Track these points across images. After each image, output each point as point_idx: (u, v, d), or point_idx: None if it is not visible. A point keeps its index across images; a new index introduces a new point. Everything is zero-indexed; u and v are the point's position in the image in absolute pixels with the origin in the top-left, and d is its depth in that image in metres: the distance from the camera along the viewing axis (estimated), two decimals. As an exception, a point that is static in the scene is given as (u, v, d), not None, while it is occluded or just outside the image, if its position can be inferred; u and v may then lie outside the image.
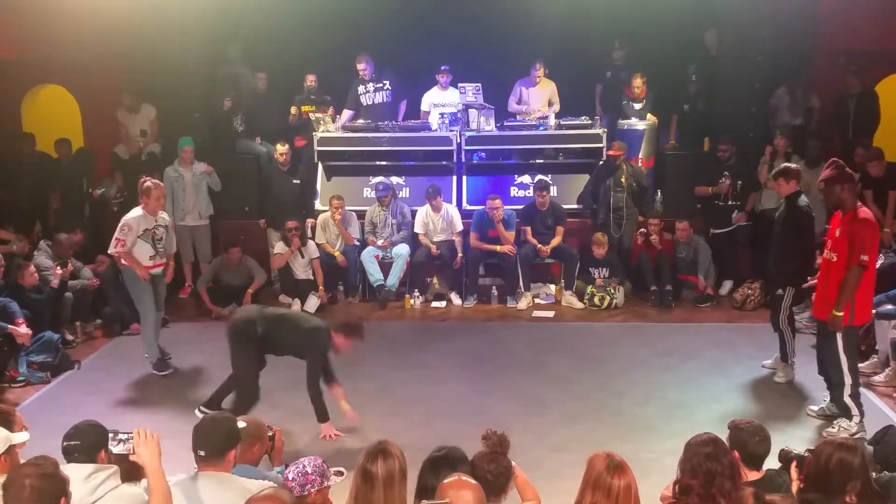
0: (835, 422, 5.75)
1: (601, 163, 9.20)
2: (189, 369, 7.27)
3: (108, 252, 7.14)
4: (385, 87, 9.83)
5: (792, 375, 6.65)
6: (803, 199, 6.46)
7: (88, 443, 3.41)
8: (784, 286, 6.53)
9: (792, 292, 6.52)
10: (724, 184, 8.97)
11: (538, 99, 9.82)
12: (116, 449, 3.28)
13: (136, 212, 7.01)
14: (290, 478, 3.35)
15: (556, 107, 9.77)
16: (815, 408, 6.07)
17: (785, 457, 3.73)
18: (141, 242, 6.93)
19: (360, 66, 9.66)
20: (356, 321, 6.16)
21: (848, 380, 5.66)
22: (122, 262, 7.03)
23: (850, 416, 5.68)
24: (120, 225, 6.96)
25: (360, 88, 9.82)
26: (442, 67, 9.79)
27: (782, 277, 6.55)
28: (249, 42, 10.33)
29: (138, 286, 7.01)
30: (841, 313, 5.52)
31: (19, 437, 3.56)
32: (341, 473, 3.55)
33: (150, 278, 7.00)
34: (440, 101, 9.87)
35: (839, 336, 5.61)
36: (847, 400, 5.69)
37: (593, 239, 8.92)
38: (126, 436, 3.29)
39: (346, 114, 9.85)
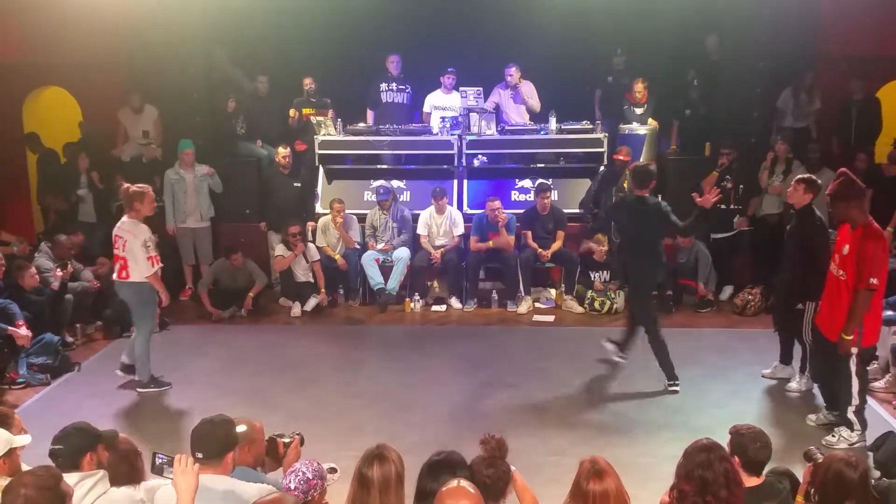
0: (835, 430, 5.69)
1: (603, 167, 9.18)
2: (189, 372, 7.26)
3: (148, 276, 6.56)
4: (407, 90, 9.93)
5: (808, 386, 6.54)
6: (817, 212, 6.29)
7: (72, 447, 3.40)
8: (804, 301, 6.33)
9: (813, 306, 6.28)
10: (722, 161, 8.88)
11: (516, 105, 9.80)
12: (154, 470, 3.23)
13: (135, 223, 6.59)
14: (293, 487, 3.33)
15: (536, 104, 9.73)
16: (814, 416, 6.03)
17: (810, 457, 3.72)
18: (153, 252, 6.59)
19: (392, 59, 9.76)
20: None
21: (856, 401, 5.53)
22: (128, 277, 6.59)
23: (851, 428, 5.60)
24: (143, 243, 6.51)
25: (383, 86, 9.89)
26: (448, 69, 9.79)
27: (800, 292, 6.34)
28: (236, 44, 10.26)
29: (151, 306, 6.76)
30: (850, 337, 5.34)
31: (21, 439, 3.54)
32: (335, 471, 3.55)
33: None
34: (442, 103, 9.87)
35: (853, 359, 5.43)
36: (851, 416, 5.58)
37: (593, 239, 8.89)
38: (164, 458, 3.21)
39: (371, 114, 9.93)
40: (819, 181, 6.41)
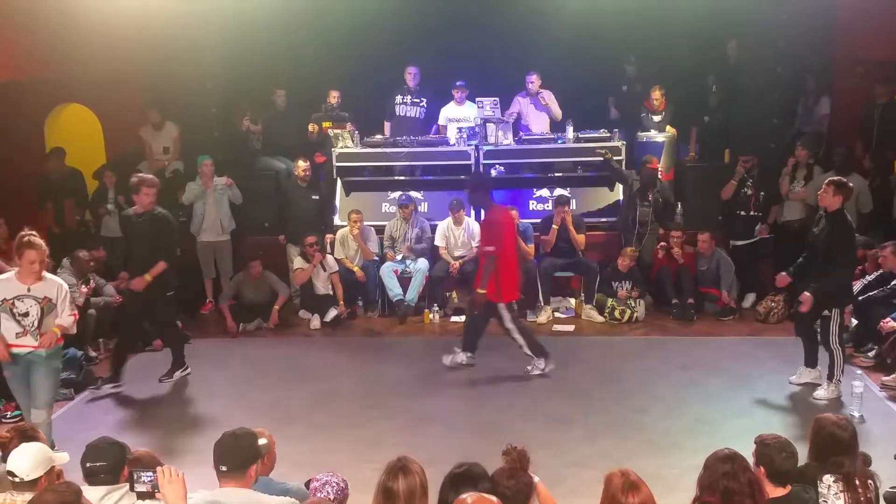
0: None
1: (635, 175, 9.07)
2: (211, 385, 7.29)
3: None
4: (421, 104, 9.94)
5: (836, 394, 6.46)
6: (847, 216, 6.30)
7: (113, 462, 3.43)
8: (830, 307, 6.35)
9: (838, 313, 6.35)
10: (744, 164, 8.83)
11: (537, 113, 9.80)
12: (139, 488, 3.18)
13: (6, 274, 5.66)
14: (332, 497, 3.49)
15: (558, 112, 9.72)
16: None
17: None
18: (3, 315, 5.48)
19: (410, 70, 9.77)
20: None
21: (521, 340, 7.12)
22: None
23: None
24: None
25: (398, 98, 9.91)
26: (457, 83, 9.82)
27: (828, 297, 6.35)
28: (253, 59, 10.21)
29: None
30: (483, 291, 6.99)
31: (60, 457, 3.52)
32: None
33: (11, 359, 5.50)
34: (456, 115, 9.91)
35: (503, 314, 7.07)
36: (528, 351, 7.09)
37: (621, 252, 8.85)
38: (148, 476, 3.16)
39: (388, 126, 9.97)
40: (851, 184, 6.41)
